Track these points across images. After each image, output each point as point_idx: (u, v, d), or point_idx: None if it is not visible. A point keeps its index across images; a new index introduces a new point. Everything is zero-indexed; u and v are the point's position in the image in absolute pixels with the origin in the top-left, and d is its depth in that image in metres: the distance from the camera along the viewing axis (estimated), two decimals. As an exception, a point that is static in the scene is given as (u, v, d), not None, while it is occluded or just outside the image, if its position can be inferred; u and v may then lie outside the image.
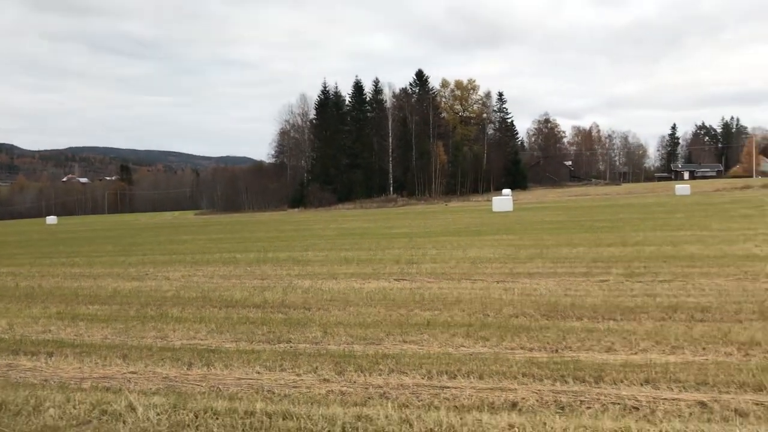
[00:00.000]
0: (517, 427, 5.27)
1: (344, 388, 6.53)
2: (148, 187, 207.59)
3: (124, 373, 7.47)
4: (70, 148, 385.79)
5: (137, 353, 8.34)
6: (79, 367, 7.86)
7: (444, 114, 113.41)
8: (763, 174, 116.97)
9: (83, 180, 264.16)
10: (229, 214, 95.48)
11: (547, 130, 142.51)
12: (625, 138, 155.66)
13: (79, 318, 11.17)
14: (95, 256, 25.09)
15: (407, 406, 5.88)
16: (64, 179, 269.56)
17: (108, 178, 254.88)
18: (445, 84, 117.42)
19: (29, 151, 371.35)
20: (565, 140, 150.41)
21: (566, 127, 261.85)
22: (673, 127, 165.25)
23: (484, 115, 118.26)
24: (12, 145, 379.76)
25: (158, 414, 5.86)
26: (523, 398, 6.02)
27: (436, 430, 5.27)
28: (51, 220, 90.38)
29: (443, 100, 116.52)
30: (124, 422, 5.78)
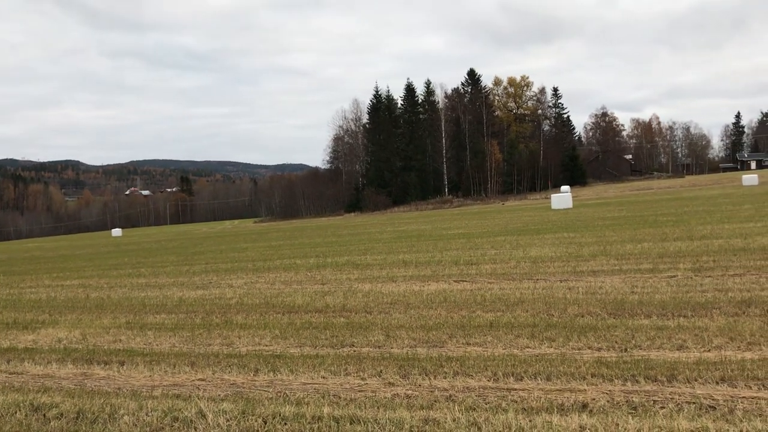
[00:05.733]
0: (589, 429, 5.14)
1: (410, 392, 6.50)
2: (208, 197, 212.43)
3: (193, 381, 7.61)
4: (132, 162, 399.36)
5: (205, 360, 8.49)
6: (150, 375, 8.05)
7: (498, 112, 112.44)
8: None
9: (145, 192, 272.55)
10: (288, 221, 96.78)
11: (605, 124, 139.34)
12: (687, 129, 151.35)
13: (148, 327, 11.46)
14: (160, 266, 25.75)
15: (475, 409, 5.81)
16: (127, 192, 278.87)
17: (169, 189, 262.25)
18: (497, 82, 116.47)
19: (93, 166, 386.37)
20: (624, 134, 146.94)
21: (625, 120, 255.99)
22: (738, 116, 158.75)
23: (539, 111, 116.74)
24: (77, 162, 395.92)
25: (228, 420, 5.95)
26: (594, 399, 5.87)
27: (505, 433, 5.19)
28: (116, 232, 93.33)
29: (496, 98, 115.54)
30: (195, 429, 5.89)
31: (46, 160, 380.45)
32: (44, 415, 6.68)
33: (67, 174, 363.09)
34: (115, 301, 15.56)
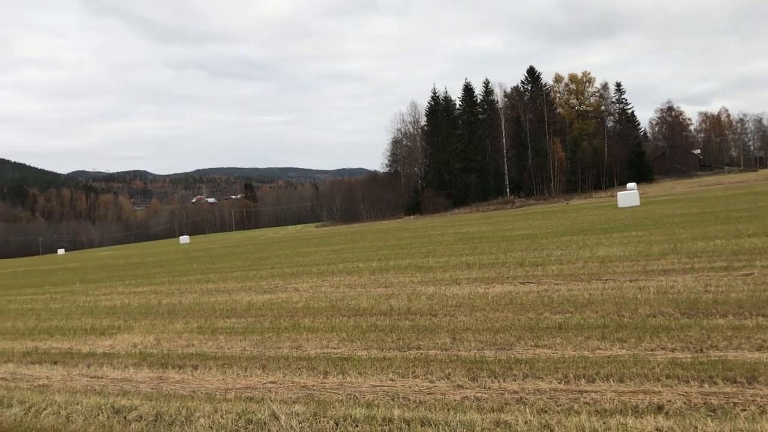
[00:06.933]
0: (666, 431, 5.02)
1: (479, 394, 6.48)
2: (271, 203, 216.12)
3: (265, 383, 7.77)
4: (197, 171, 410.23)
5: (275, 363, 8.66)
6: (223, 379, 8.25)
7: (559, 110, 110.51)
8: None
9: (211, 200, 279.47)
10: (349, 225, 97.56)
11: (671, 119, 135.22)
12: (759, 120, 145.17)
13: (219, 331, 11.75)
14: (227, 271, 26.33)
15: (546, 411, 5.74)
16: (194, 200, 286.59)
17: (233, 196, 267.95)
18: (558, 79, 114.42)
19: (160, 175, 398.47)
20: (691, 128, 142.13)
21: (692, 114, 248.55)
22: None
23: (603, 107, 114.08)
24: (145, 171, 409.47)
25: (300, 422, 6.06)
26: (669, 401, 5.73)
27: (578, 435, 5.12)
28: (184, 239, 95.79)
29: (557, 95, 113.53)
30: (269, 431, 6.01)
31: (115, 171, 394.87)
32: (125, 417, 6.95)
33: (136, 184, 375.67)
34: (186, 306, 16.00)
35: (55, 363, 10.49)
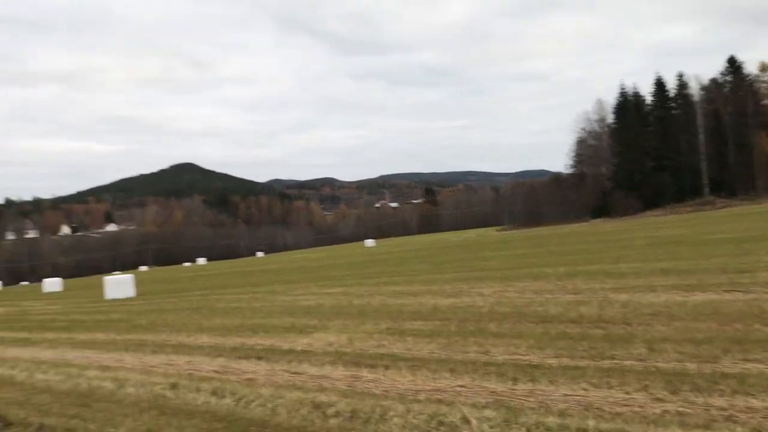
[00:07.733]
0: None
1: (681, 409, 6.10)
2: (451, 206, 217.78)
3: (453, 387, 7.87)
4: (381, 176, 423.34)
5: (463, 367, 8.74)
6: (413, 380, 8.48)
7: (765, 101, 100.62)
8: None
9: (393, 205, 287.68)
10: (530, 228, 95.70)
11: None
12: None
13: (407, 333, 12.06)
14: (411, 275, 26.94)
15: (760, 432, 5.29)
16: (378, 205, 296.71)
17: (415, 201, 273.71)
18: (764, 67, 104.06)
19: (347, 182, 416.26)
20: None
21: None
22: None
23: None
24: (333, 178, 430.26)
25: (491, 427, 6.08)
26: None
27: (801, 461, 4.66)
28: (369, 242, 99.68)
29: (763, 85, 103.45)
30: (460, 434, 6.10)
31: (306, 179, 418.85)
32: (324, 412, 7.37)
33: (325, 190, 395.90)
34: (375, 307, 16.60)
35: (260, 359, 11.35)
